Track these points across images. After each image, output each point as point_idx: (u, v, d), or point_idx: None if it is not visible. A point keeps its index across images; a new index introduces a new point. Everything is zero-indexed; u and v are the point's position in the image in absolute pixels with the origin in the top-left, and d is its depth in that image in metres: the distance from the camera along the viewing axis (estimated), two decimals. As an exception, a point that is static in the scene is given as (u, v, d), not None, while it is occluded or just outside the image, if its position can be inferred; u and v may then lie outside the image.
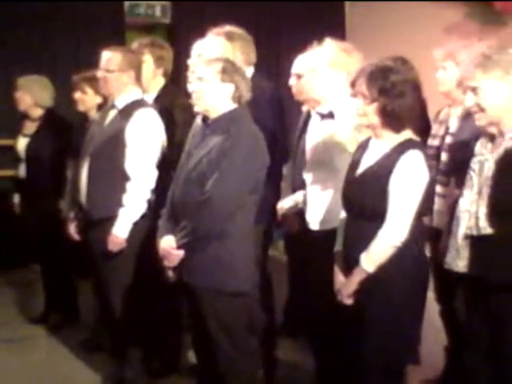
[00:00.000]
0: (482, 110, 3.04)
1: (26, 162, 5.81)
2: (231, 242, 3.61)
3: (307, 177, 4.07)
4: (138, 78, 4.51)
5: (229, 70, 3.68)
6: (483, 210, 3.00)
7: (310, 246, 4.03)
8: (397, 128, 3.29)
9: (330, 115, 3.99)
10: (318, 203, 4.00)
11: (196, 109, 3.74)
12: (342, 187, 3.53)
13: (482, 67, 3.01)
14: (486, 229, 2.99)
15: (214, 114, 3.69)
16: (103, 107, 4.84)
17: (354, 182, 3.41)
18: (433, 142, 4.29)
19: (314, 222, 4.01)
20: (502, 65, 3.00)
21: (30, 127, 5.85)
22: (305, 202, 4.08)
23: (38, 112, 5.80)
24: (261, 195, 3.75)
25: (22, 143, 5.85)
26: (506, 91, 3.01)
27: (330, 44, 4.03)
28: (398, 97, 3.23)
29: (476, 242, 3.04)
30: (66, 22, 7.37)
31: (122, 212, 4.29)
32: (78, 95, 5.41)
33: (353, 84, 3.37)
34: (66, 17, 7.39)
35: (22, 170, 5.86)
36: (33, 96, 5.74)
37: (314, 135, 4.07)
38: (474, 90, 3.04)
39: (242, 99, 3.72)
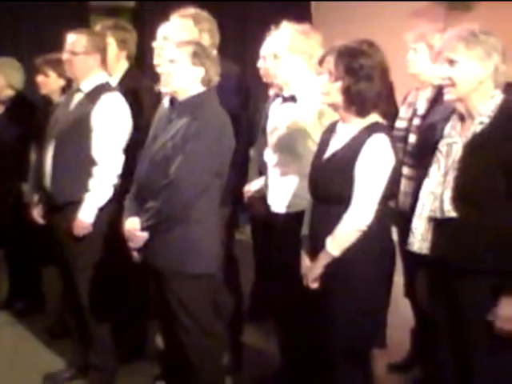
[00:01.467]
0: (453, 84, 3.02)
1: None
2: (195, 224, 3.62)
3: (268, 159, 4.08)
4: (104, 61, 4.48)
5: (200, 53, 3.69)
6: (448, 194, 2.99)
7: (273, 229, 4.05)
8: (360, 111, 3.29)
9: (292, 99, 3.99)
10: (280, 186, 4.01)
11: (164, 90, 3.74)
12: (305, 171, 3.54)
13: (465, 42, 2.98)
14: (450, 212, 2.99)
15: (182, 96, 3.69)
16: (66, 90, 4.81)
17: (320, 167, 3.41)
18: (400, 124, 4.31)
19: (275, 204, 4.03)
20: (486, 47, 2.98)
21: None
22: (266, 185, 4.10)
23: (8, 93, 5.73)
24: (225, 179, 3.75)
25: None
26: (481, 73, 3.00)
27: (287, 28, 4.02)
28: (365, 79, 3.24)
29: (439, 224, 3.05)
30: (28, 4, 7.28)
31: (87, 197, 4.27)
32: (40, 78, 5.34)
33: (321, 61, 3.37)
34: (29, 3, 7.31)
35: None
36: (6, 78, 5.68)
37: (275, 118, 4.09)
38: (451, 62, 3.01)
39: (211, 83, 3.73)
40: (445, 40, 3.08)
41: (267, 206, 4.07)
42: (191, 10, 4.52)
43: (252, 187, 4.28)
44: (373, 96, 3.27)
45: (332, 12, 8.23)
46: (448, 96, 3.08)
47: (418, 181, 3.30)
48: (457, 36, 3.03)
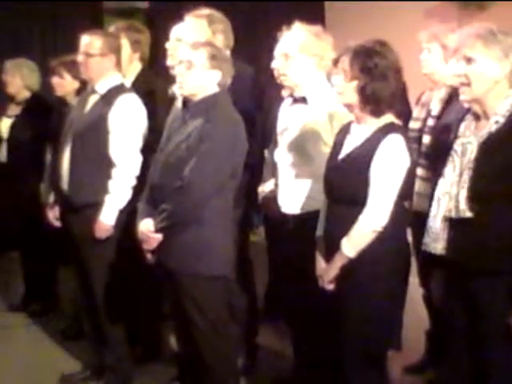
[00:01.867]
0: (469, 84, 3.00)
1: (8, 143, 5.78)
2: (209, 226, 3.62)
3: (279, 160, 4.08)
4: (119, 63, 4.48)
5: (217, 56, 3.70)
6: (464, 193, 2.98)
7: (285, 229, 4.04)
8: (375, 111, 3.28)
9: (304, 100, 3.98)
10: (290, 187, 4.01)
11: (180, 92, 3.73)
12: (316, 172, 3.56)
13: (484, 40, 2.95)
14: (466, 212, 2.97)
15: (196, 97, 3.69)
16: (81, 92, 4.80)
17: (335, 167, 3.40)
18: (414, 124, 4.29)
19: (286, 205, 4.03)
20: (503, 46, 2.96)
21: (15, 109, 5.84)
22: (276, 186, 4.11)
23: (25, 95, 5.79)
24: (239, 180, 3.76)
25: (5, 124, 5.83)
26: (497, 73, 2.97)
27: (299, 28, 4.00)
28: (380, 79, 3.22)
29: (455, 224, 3.02)
30: (43, 5, 7.30)
31: (108, 199, 4.27)
32: (55, 80, 5.36)
33: (336, 61, 3.37)
34: (45, 2, 7.30)
35: (2, 153, 5.82)
36: (23, 79, 5.74)
37: (285, 119, 4.09)
38: (468, 60, 2.97)
39: (225, 85, 3.74)
40: (462, 37, 3.04)
41: (278, 207, 4.07)
42: (206, 11, 4.53)
43: (266, 188, 4.27)
44: (388, 96, 3.25)
45: (345, 12, 8.23)
46: (463, 97, 3.06)
47: (432, 182, 3.28)
48: (475, 34, 2.99)
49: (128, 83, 4.67)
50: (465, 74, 3.00)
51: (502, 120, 2.99)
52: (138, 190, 4.17)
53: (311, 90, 3.95)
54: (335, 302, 3.36)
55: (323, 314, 3.50)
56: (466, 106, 3.12)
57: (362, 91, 3.23)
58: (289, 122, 4.05)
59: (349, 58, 3.26)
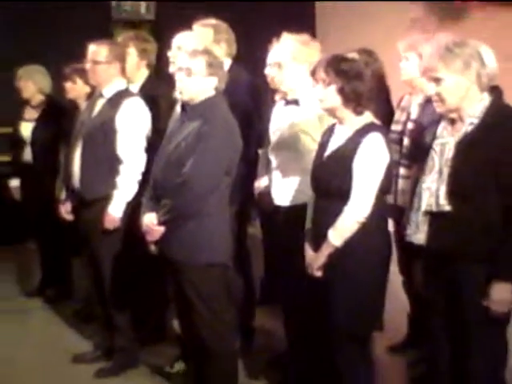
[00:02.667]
0: (442, 99, 3.02)
1: (31, 145, 5.77)
2: (207, 218, 3.61)
3: (272, 157, 4.07)
4: (123, 70, 4.50)
5: (214, 64, 3.68)
6: (443, 189, 3.00)
7: (277, 220, 4.03)
8: (356, 108, 3.30)
9: (296, 102, 3.98)
10: (282, 181, 4.00)
11: (180, 97, 3.72)
12: (305, 168, 3.55)
13: (443, 60, 2.98)
14: (445, 206, 3.00)
15: (194, 101, 3.68)
16: (91, 96, 4.79)
17: (321, 164, 3.41)
18: (396, 127, 4.30)
19: (278, 198, 4.01)
20: (463, 58, 2.98)
21: (32, 113, 5.82)
22: (270, 180, 4.10)
23: (39, 98, 5.78)
24: (233, 177, 3.75)
25: (26, 128, 5.82)
26: (465, 84, 2.99)
27: (288, 39, 4.01)
28: (356, 78, 3.25)
29: (435, 217, 3.05)
30: (57, 16, 7.34)
31: (116, 193, 4.30)
32: (68, 85, 5.38)
33: (313, 73, 3.39)
34: (58, 12, 7.35)
35: (27, 154, 5.80)
36: (36, 83, 5.74)
37: (278, 119, 4.08)
38: (436, 80, 3.02)
39: (220, 89, 3.73)
40: (426, 61, 3.10)
41: (271, 200, 4.06)
42: (212, 21, 4.57)
43: (261, 183, 4.27)
44: (366, 92, 3.28)
45: (335, 18, 8.22)
46: (438, 110, 3.11)
47: (413, 179, 3.28)
48: (436, 55, 3.03)
49: (136, 88, 4.69)
50: (437, 93, 3.04)
51: (476, 121, 3.01)
52: (142, 186, 4.19)
53: (303, 93, 3.94)
54: (323, 287, 3.35)
55: (313, 298, 3.49)
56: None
57: (341, 92, 3.26)
58: (281, 122, 4.04)
59: (323, 66, 3.29)
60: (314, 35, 5.86)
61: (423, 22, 6.83)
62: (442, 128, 3.13)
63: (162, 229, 3.64)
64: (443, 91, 3.00)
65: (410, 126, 4.16)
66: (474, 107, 3.02)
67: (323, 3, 8.51)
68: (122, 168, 4.29)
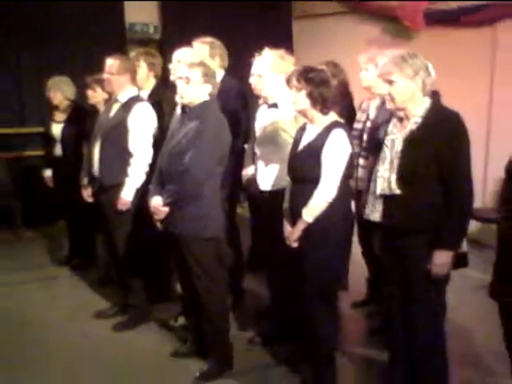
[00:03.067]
0: (393, 98, 3.03)
1: (61, 143, 5.74)
2: (204, 200, 3.60)
3: (257, 150, 4.07)
4: (134, 79, 4.48)
5: (208, 73, 3.67)
6: (394, 176, 3.02)
7: (262, 202, 4.03)
8: (323, 109, 3.30)
9: (275, 105, 3.98)
10: (266, 170, 3.99)
11: (181, 101, 3.70)
12: (284, 159, 3.54)
13: (398, 66, 2.99)
14: (396, 190, 3.01)
15: (192, 104, 3.66)
16: (108, 101, 4.77)
17: (296, 156, 3.41)
18: (357, 125, 4.30)
19: (263, 184, 4.01)
20: (414, 67, 2.99)
21: (60, 116, 5.76)
22: (256, 169, 4.09)
23: (66, 104, 5.73)
24: (225, 166, 3.74)
25: (56, 129, 5.76)
26: (412, 88, 3.00)
27: (268, 53, 4.00)
28: (322, 85, 3.26)
29: (388, 199, 3.06)
30: (82, 37, 7.30)
31: (128, 180, 4.29)
32: (90, 92, 5.34)
33: (288, 81, 3.37)
34: (83, 33, 7.30)
35: (57, 150, 5.77)
36: (63, 92, 5.69)
37: (262, 120, 4.07)
38: (390, 82, 3.02)
39: (214, 94, 3.71)
40: (383, 65, 3.09)
41: (257, 185, 4.06)
42: (209, 39, 4.58)
43: (248, 172, 4.27)
44: (331, 96, 3.29)
45: (309, 35, 8.23)
46: (389, 107, 3.12)
47: (369, 168, 3.29)
48: (392, 62, 3.03)
49: (145, 94, 4.67)
50: (389, 93, 3.05)
51: (419, 120, 3.03)
52: (149, 175, 4.17)
53: (281, 98, 3.93)
54: (299, 255, 3.36)
55: (291, 264, 3.50)
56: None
57: (310, 96, 3.27)
58: (264, 122, 4.03)
59: (296, 75, 3.30)
60: (291, 50, 5.86)
61: (379, 40, 6.84)
62: (392, 126, 3.14)
63: (166, 209, 3.63)
64: (394, 91, 3.02)
65: (368, 124, 4.16)
66: (417, 108, 3.03)
67: (299, 23, 8.50)
68: (132, 160, 4.28)
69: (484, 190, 6.13)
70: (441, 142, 2.93)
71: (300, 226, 3.30)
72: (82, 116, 5.56)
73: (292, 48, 7.62)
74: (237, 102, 4.53)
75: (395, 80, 3.00)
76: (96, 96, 5.31)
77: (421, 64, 3.02)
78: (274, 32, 7.30)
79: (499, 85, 6.13)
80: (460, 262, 3.31)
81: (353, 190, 3.86)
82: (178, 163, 3.57)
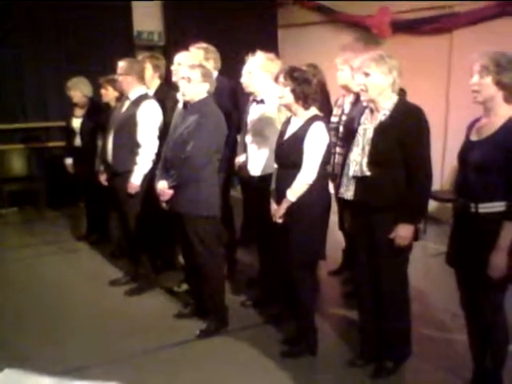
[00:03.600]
0: (366, 90, 3.00)
1: (81, 135, 5.67)
2: (204, 184, 3.59)
3: (248, 140, 4.05)
4: (142, 79, 4.43)
5: (206, 74, 3.63)
6: (365, 160, 3.00)
7: (252, 186, 4.02)
8: (304, 105, 3.28)
9: (262, 101, 3.96)
10: (255, 158, 3.97)
11: (183, 98, 3.67)
12: (272, 148, 3.52)
13: (376, 61, 2.96)
14: (366, 172, 3.00)
15: (192, 101, 3.64)
16: (120, 99, 4.72)
17: (282, 145, 3.39)
18: (334, 119, 4.27)
19: (253, 170, 4.00)
20: (389, 65, 2.96)
21: (80, 111, 5.69)
22: (247, 157, 4.07)
23: (84, 101, 5.65)
24: (222, 154, 3.72)
25: (76, 122, 5.69)
26: (384, 83, 2.97)
27: (259, 54, 3.98)
28: (304, 83, 3.23)
29: (359, 180, 3.05)
30: (97, 44, 7.24)
31: (136, 168, 4.25)
32: (103, 91, 5.29)
33: (276, 78, 3.34)
34: (99, 41, 7.25)
35: (77, 141, 5.70)
36: (81, 91, 5.60)
37: (252, 114, 4.04)
38: (366, 74, 2.99)
39: (211, 92, 3.68)
40: (363, 59, 3.05)
41: (248, 172, 4.04)
42: (204, 45, 4.54)
43: (240, 159, 4.23)
44: (312, 93, 3.26)
45: (293, 42, 8.17)
46: (363, 98, 3.09)
47: (345, 155, 3.28)
48: (371, 57, 3.01)
49: (151, 92, 4.61)
50: (364, 84, 3.02)
51: (387, 113, 3.01)
52: (155, 163, 4.14)
53: (267, 95, 3.91)
54: (284, 230, 3.35)
55: (277, 238, 3.49)
56: (365, 104, 3.12)
57: (294, 92, 3.24)
58: (254, 116, 4.00)
59: (283, 74, 3.27)
60: (277, 54, 5.82)
61: (353, 46, 6.81)
62: (364, 117, 3.12)
63: (171, 191, 3.62)
64: (368, 83, 2.98)
65: (344, 118, 4.14)
66: (386, 102, 3.01)
67: (284, 31, 8.46)
68: (140, 150, 4.24)
69: (442, 175, 6.13)
70: (405, 132, 2.92)
71: (284, 205, 3.29)
72: (97, 112, 5.50)
73: (278, 52, 7.56)
74: (229, 99, 4.49)
75: (371, 73, 2.97)
76: (108, 94, 5.26)
77: (395, 64, 2.99)
78: (261, 39, 7.22)
79: (455, 85, 6.12)
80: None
81: (331, 173, 3.84)
82: (181, 151, 3.55)
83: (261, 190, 3.76)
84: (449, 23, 6.17)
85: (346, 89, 4.15)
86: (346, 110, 4.15)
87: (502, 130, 2.61)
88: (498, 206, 2.61)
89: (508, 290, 2.75)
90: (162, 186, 3.65)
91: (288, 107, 3.35)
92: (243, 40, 7.30)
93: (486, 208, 2.64)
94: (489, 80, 2.60)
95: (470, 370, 3.00)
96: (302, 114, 3.31)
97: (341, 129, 4.13)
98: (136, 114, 4.25)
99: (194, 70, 3.61)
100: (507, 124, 2.61)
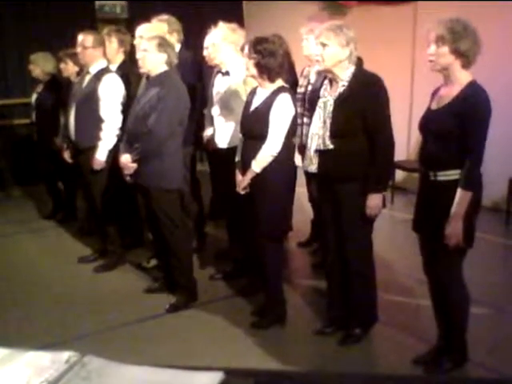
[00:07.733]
0: (323, 60, 2.98)
1: (36, 110, 5.55)
2: (167, 157, 3.56)
3: (214, 113, 4.00)
4: (104, 53, 4.34)
5: (163, 44, 3.57)
6: (327, 133, 2.99)
7: (219, 158, 3.99)
8: (269, 78, 3.25)
9: (227, 73, 3.91)
10: (222, 130, 3.94)
11: (142, 70, 3.61)
12: (238, 121, 3.50)
13: (334, 32, 2.93)
14: (329, 145, 2.99)
15: (153, 73, 3.59)
16: (81, 73, 4.61)
17: (247, 116, 3.36)
18: (300, 90, 4.25)
19: (219, 142, 3.97)
20: (346, 37, 2.94)
21: (40, 87, 5.56)
22: (214, 130, 4.03)
23: (45, 78, 5.49)
24: (185, 127, 3.68)
25: (33, 98, 5.60)
26: (340, 54, 2.96)
27: (221, 25, 3.92)
28: (269, 56, 3.19)
29: (322, 153, 3.04)
30: (57, 16, 7.06)
31: (100, 143, 4.18)
32: (62, 65, 5.17)
33: (242, 49, 3.30)
34: (58, 13, 7.06)
35: (33, 116, 5.59)
36: (41, 68, 5.45)
37: (217, 86, 4.00)
38: (323, 45, 2.96)
39: (172, 64, 3.62)
40: (321, 30, 3.02)
41: (215, 144, 4.00)
42: (166, 16, 4.44)
43: (208, 133, 4.19)
44: (276, 67, 3.22)
45: (258, 12, 8.08)
46: (319, 68, 3.09)
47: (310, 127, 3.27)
48: (329, 28, 2.98)
49: (114, 68, 4.50)
50: (321, 54, 2.99)
51: (346, 84, 3.00)
52: (119, 137, 4.08)
53: (232, 66, 3.86)
54: (250, 201, 3.34)
55: (244, 209, 3.49)
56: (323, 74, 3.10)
57: (258, 66, 3.21)
58: (219, 88, 3.96)
59: (248, 45, 3.23)
60: (243, 26, 5.75)
61: (318, 15, 6.75)
62: (323, 89, 3.10)
63: (134, 165, 3.58)
64: (325, 54, 2.96)
65: (309, 88, 4.11)
66: (343, 73, 3.00)
67: (248, 3, 8.34)
68: (104, 125, 4.17)
69: (408, 145, 6.19)
70: (365, 101, 2.91)
71: (249, 175, 3.28)
72: (57, 87, 5.36)
73: (243, 25, 7.46)
74: (193, 72, 4.42)
75: (328, 44, 2.94)
76: (68, 69, 5.14)
77: (353, 36, 2.97)
78: (226, 11, 7.11)
79: (420, 54, 6.13)
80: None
81: (297, 145, 3.83)
82: (143, 125, 3.50)
83: (228, 162, 3.73)
84: (414, -8, 6.17)
85: (311, 59, 4.11)
86: (312, 80, 4.12)
87: (458, 97, 2.63)
88: (454, 174, 2.64)
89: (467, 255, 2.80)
90: (126, 160, 3.61)
91: (254, 78, 3.32)
92: (208, 12, 7.19)
93: (443, 176, 2.67)
94: (445, 49, 2.61)
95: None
96: (267, 86, 3.28)
97: (307, 99, 4.10)
98: (98, 89, 4.17)
99: (150, 41, 3.56)
100: (464, 91, 2.63)
